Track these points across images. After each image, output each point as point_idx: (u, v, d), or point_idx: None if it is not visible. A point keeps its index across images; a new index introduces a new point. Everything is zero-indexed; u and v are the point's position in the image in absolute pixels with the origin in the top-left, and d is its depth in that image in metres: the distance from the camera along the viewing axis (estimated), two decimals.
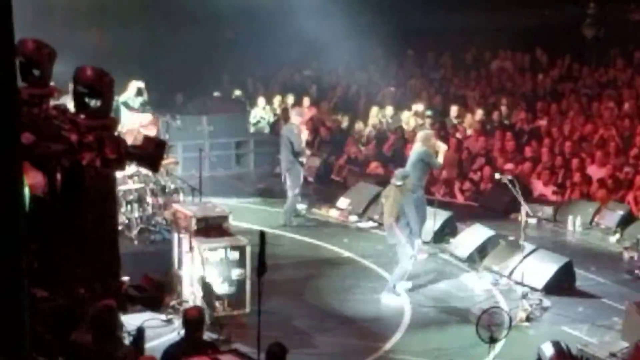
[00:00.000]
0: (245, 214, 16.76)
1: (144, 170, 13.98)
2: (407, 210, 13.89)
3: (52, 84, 10.33)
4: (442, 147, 15.93)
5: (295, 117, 17.39)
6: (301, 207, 17.56)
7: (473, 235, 15.69)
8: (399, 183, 13.92)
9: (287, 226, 16.92)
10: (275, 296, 13.29)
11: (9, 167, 5.67)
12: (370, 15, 23.54)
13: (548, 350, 10.99)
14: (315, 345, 12.34)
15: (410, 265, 14.01)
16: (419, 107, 21.69)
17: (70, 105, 10.00)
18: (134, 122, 16.34)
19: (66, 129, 9.14)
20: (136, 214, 14.21)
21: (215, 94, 22.92)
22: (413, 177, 15.06)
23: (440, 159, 15.75)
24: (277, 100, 22.95)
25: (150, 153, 9.51)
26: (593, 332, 12.55)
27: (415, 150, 15.58)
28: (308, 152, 17.55)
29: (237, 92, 23.46)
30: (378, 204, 15.48)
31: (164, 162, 12.87)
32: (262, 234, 10.22)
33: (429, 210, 15.76)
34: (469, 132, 20.64)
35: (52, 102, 9.73)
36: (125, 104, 17.27)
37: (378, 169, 19.57)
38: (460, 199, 18.53)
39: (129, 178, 14.40)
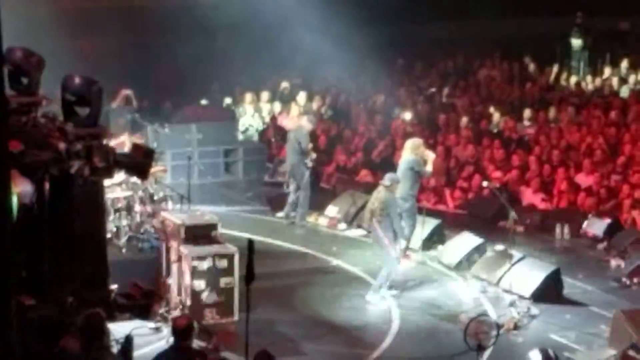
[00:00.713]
0: (234, 222, 16.75)
1: (133, 178, 13.97)
2: (392, 213, 13.92)
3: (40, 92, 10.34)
4: (430, 155, 15.99)
5: (306, 123, 17.50)
6: (292, 214, 17.61)
7: (461, 243, 15.71)
8: (387, 183, 14.01)
9: (304, 227, 17.28)
10: (263, 304, 13.29)
11: None
12: (360, 25, 23.60)
13: (536, 357, 11.05)
14: (303, 353, 12.35)
15: (394, 266, 14.06)
16: (407, 115, 21.72)
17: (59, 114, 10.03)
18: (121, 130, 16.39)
19: (54, 137, 9.15)
20: (124, 222, 14.19)
21: (203, 101, 22.89)
22: (404, 186, 15.15)
23: (429, 167, 15.82)
24: (265, 107, 22.97)
25: (139, 161, 9.52)
26: (580, 340, 12.59)
27: (405, 159, 15.62)
28: (314, 155, 17.63)
29: (228, 101, 23.46)
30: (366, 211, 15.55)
31: (153, 170, 12.87)
32: (251, 242, 10.22)
33: (418, 218, 15.78)
34: (457, 140, 20.68)
35: (41, 111, 9.74)
36: (114, 112, 17.29)
37: (367, 176, 19.59)
38: (451, 206, 18.55)
39: (117, 186, 14.39)
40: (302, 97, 22.88)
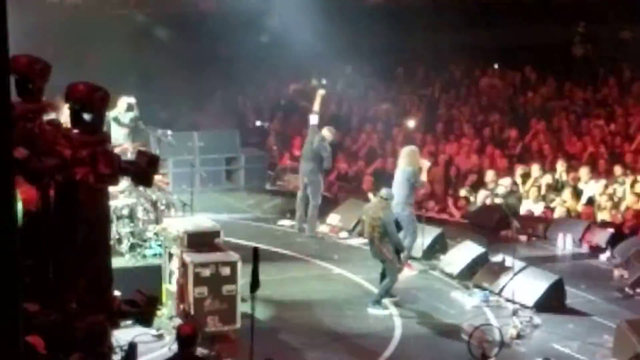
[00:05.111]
0: (236, 230, 16.74)
1: (136, 185, 13.95)
2: (390, 231, 13.91)
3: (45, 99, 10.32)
4: (425, 164, 16.03)
5: (327, 133, 17.49)
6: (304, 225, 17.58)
7: (463, 252, 15.71)
8: (385, 197, 14.00)
9: (312, 237, 17.21)
10: (266, 312, 13.30)
11: (3, 182, 5.66)
12: (361, 33, 23.63)
13: None
14: None
15: (397, 279, 14.06)
16: (411, 122, 21.74)
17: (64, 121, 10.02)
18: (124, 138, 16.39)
19: (60, 144, 9.12)
20: (127, 229, 14.19)
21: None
22: (401, 196, 15.15)
23: (423, 177, 15.85)
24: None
25: (144, 168, 9.49)
26: (584, 350, 12.58)
27: (401, 169, 15.60)
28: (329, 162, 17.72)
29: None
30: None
31: (156, 179, 12.86)
32: (256, 251, 10.24)
33: (419, 226, 15.78)
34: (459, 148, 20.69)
35: (46, 118, 9.73)
36: (116, 120, 17.23)
37: (370, 184, 19.58)
38: (456, 215, 18.53)
39: (121, 193, 14.39)
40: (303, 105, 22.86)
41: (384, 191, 14.26)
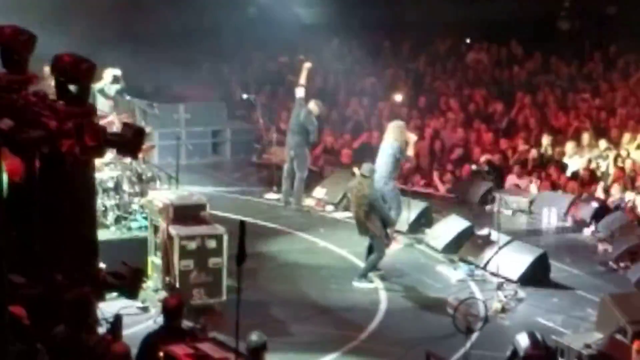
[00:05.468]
0: (222, 203, 16.74)
1: (121, 157, 13.93)
2: (377, 206, 13.94)
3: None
4: (412, 137, 16.03)
5: (314, 107, 17.47)
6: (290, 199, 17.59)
7: (449, 226, 15.76)
8: (367, 174, 14.01)
9: (298, 210, 17.25)
10: (251, 285, 13.31)
11: None
12: (348, 7, 23.56)
13: (523, 340, 11.07)
14: (291, 334, 12.40)
15: (384, 254, 14.10)
16: (398, 97, 21.72)
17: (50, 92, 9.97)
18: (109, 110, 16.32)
19: (45, 116, 9.08)
20: (113, 202, 14.16)
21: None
22: (385, 170, 15.14)
23: (410, 151, 15.84)
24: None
25: (129, 140, 9.46)
26: (567, 323, 12.67)
27: (388, 144, 15.56)
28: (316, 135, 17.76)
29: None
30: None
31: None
32: (242, 223, 10.21)
33: (404, 200, 15.81)
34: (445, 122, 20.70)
35: (31, 89, 9.69)
36: (102, 92, 17.17)
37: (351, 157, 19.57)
38: (442, 190, 18.56)
39: (106, 165, 14.35)
40: (289, 79, 22.80)
41: (364, 167, 14.26)
